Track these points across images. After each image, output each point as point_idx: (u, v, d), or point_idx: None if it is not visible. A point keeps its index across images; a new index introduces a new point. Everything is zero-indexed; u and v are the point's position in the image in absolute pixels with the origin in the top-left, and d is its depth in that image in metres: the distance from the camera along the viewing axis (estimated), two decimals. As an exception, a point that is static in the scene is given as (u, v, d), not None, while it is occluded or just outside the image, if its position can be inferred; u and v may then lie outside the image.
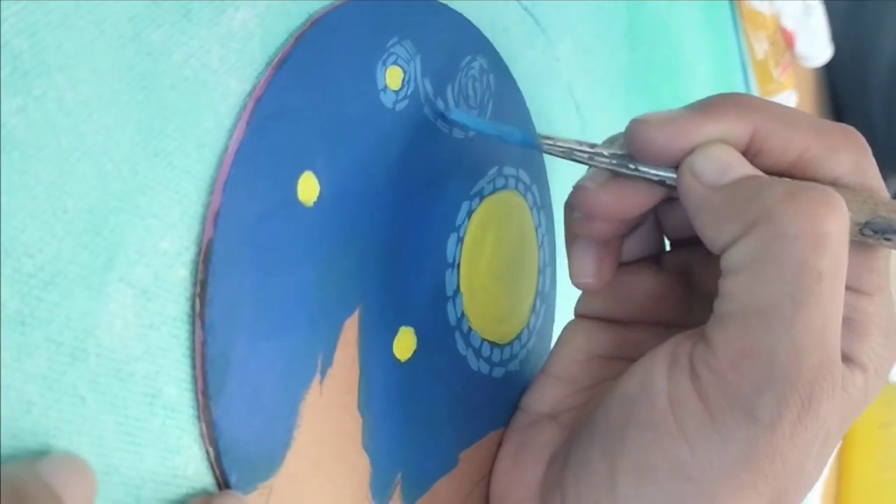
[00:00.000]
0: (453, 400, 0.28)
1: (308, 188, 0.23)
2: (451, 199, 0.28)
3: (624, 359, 0.28)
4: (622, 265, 0.28)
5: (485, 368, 0.30)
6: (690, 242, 0.27)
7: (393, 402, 0.26)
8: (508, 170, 0.31)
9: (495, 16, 0.32)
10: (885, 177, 0.25)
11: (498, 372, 0.30)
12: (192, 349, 0.20)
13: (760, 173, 0.23)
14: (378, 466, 0.25)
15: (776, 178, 0.23)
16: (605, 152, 0.25)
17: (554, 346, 0.30)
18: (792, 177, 0.24)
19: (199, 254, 0.21)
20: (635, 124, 0.24)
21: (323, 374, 0.23)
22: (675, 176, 0.24)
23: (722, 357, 0.22)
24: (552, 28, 0.36)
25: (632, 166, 0.24)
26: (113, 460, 0.19)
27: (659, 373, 0.23)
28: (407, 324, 0.26)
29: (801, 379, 0.21)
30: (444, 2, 0.29)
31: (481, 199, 0.30)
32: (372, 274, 0.25)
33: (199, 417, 0.21)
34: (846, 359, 0.24)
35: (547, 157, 0.34)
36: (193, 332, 0.20)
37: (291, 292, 0.23)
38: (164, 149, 0.20)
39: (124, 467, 0.19)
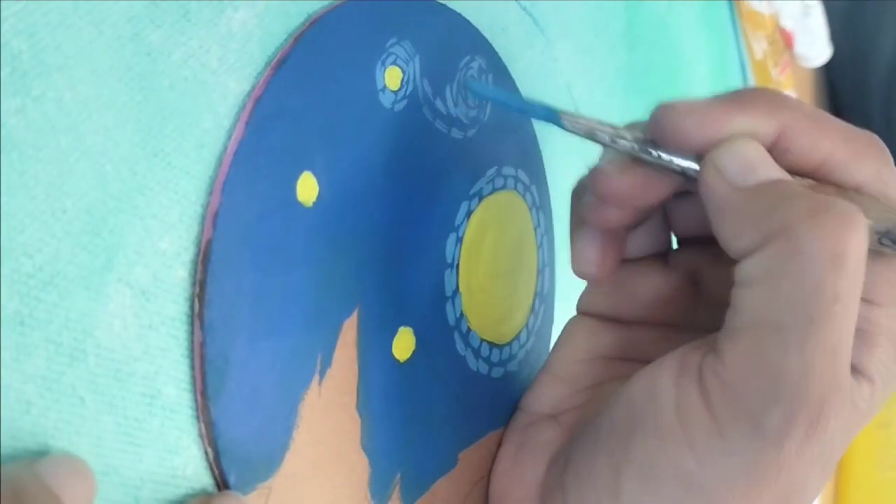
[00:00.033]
0: (452, 400, 0.28)
1: (307, 188, 0.23)
2: (450, 200, 0.28)
3: (626, 360, 0.28)
4: (627, 262, 0.28)
5: (484, 368, 0.30)
6: (699, 241, 0.27)
7: (392, 402, 0.26)
8: (507, 170, 0.31)
9: (494, 16, 0.32)
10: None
11: (497, 372, 0.30)
12: (191, 349, 0.20)
13: (786, 175, 0.23)
14: (377, 466, 0.25)
15: (801, 189, 0.23)
16: (628, 135, 0.24)
17: (555, 345, 0.30)
18: (815, 179, 0.24)
19: (198, 254, 0.21)
20: (663, 109, 0.24)
21: (322, 374, 0.23)
22: (697, 168, 0.24)
23: (732, 370, 0.22)
24: (551, 28, 0.36)
25: (654, 152, 0.24)
26: (112, 461, 0.19)
27: (667, 381, 0.23)
28: (406, 324, 0.26)
29: (811, 398, 0.21)
30: (443, 2, 0.29)
31: (480, 199, 0.30)
32: (371, 274, 0.25)
33: (198, 418, 0.21)
34: (854, 370, 0.24)
35: (546, 158, 0.34)
36: (192, 333, 0.20)
37: (290, 293, 0.23)
38: (163, 149, 0.20)
39: (123, 468, 0.19)
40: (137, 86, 0.19)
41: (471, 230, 0.29)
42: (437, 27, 0.28)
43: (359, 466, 0.25)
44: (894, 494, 0.81)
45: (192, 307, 0.21)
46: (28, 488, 0.16)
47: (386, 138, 0.26)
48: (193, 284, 0.21)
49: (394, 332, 0.26)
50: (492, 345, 0.30)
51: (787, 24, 0.70)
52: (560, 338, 0.30)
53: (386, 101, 0.26)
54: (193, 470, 0.21)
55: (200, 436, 0.21)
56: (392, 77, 0.26)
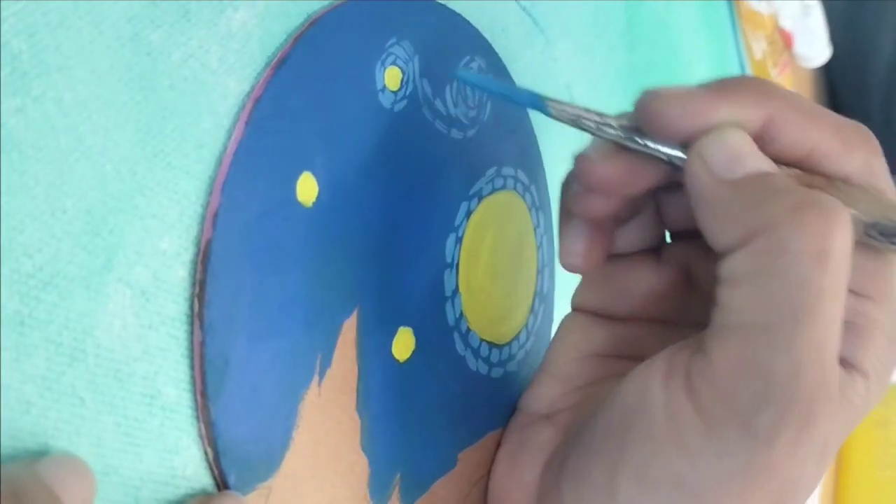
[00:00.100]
0: (452, 400, 0.28)
1: (307, 188, 0.23)
2: (450, 200, 0.28)
3: (620, 357, 0.28)
4: (620, 257, 0.28)
5: (483, 369, 0.30)
6: (692, 235, 0.27)
7: (391, 402, 0.26)
8: (507, 170, 0.31)
9: (494, 16, 0.32)
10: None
11: (497, 372, 0.30)
12: (191, 350, 0.21)
13: (772, 166, 0.23)
14: (376, 467, 0.25)
15: (786, 182, 0.22)
16: (614, 123, 0.24)
17: (550, 344, 0.29)
18: (803, 169, 0.24)
19: (197, 254, 0.21)
20: (648, 96, 0.23)
21: (321, 374, 0.23)
22: (683, 156, 0.23)
23: (720, 371, 0.22)
24: (551, 28, 0.36)
25: (640, 140, 0.23)
26: (112, 461, 0.19)
27: (655, 384, 0.23)
28: (405, 324, 0.26)
29: (800, 396, 0.21)
30: (443, 2, 0.29)
31: (480, 199, 0.30)
32: (370, 274, 0.25)
33: (197, 418, 0.21)
34: (848, 365, 0.24)
35: (546, 158, 0.34)
36: (192, 333, 0.20)
37: (290, 293, 0.23)
38: (163, 149, 0.20)
39: (123, 468, 0.19)
40: (137, 86, 0.19)
41: (470, 230, 0.29)
42: (436, 27, 0.28)
43: (358, 466, 0.25)
44: (893, 492, 0.81)
45: (191, 307, 0.21)
46: (28, 488, 0.16)
47: (385, 138, 0.26)
48: (193, 284, 0.21)
49: (393, 333, 0.26)
50: (491, 345, 0.30)
51: (787, 24, 0.70)
52: (555, 336, 0.29)
53: (386, 101, 0.26)
54: (193, 470, 0.21)
55: (200, 436, 0.21)
56: (392, 77, 0.26)
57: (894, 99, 0.83)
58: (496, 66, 0.31)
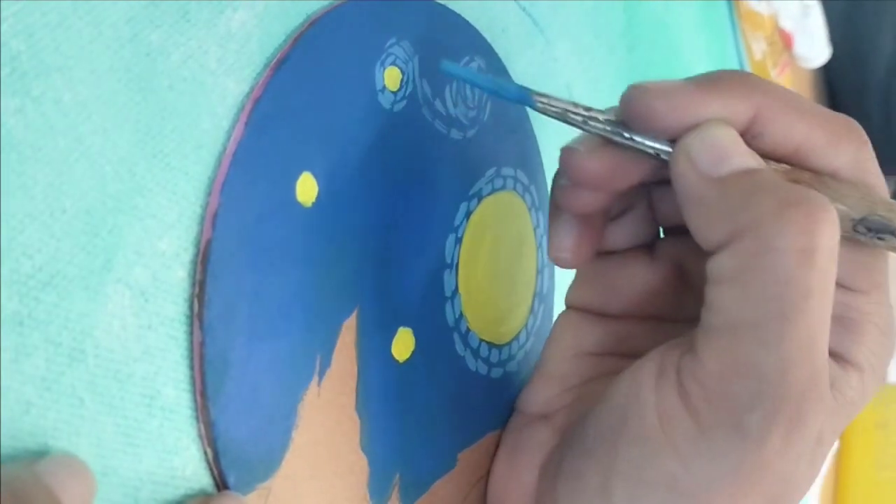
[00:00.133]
0: (451, 400, 0.28)
1: (306, 189, 0.23)
2: (450, 200, 0.28)
3: (615, 355, 0.28)
4: (613, 254, 0.27)
5: (483, 369, 0.30)
6: (685, 230, 0.26)
7: (391, 402, 0.26)
8: (506, 170, 0.31)
9: (493, 16, 0.32)
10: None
11: (496, 373, 0.30)
12: (191, 350, 0.20)
13: (759, 162, 0.23)
14: (376, 467, 0.25)
15: (773, 179, 0.22)
16: (601, 117, 0.24)
17: (545, 343, 0.29)
18: (791, 164, 0.23)
19: (197, 255, 0.21)
20: (633, 90, 0.23)
21: (321, 374, 0.23)
22: (670, 150, 0.23)
23: (709, 370, 0.22)
24: (550, 28, 0.36)
25: (626, 135, 0.23)
26: (111, 461, 0.19)
27: (646, 385, 0.23)
28: (405, 324, 0.26)
29: (790, 394, 0.21)
30: (443, 2, 0.29)
31: (479, 199, 0.30)
32: (370, 275, 0.25)
33: (197, 418, 0.21)
34: (841, 359, 0.24)
35: (546, 158, 0.34)
36: (192, 333, 0.20)
37: (290, 293, 0.23)
38: (162, 150, 0.20)
39: (123, 468, 0.19)
40: (136, 86, 0.19)
41: (470, 230, 0.29)
42: (436, 28, 0.28)
43: (357, 467, 0.25)
44: (893, 493, 0.81)
45: (191, 308, 0.21)
46: (27, 489, 0.16)
47: (385, 139, 0.26)
48: (193, 285, 0.21)
49: (393, 333, 0.26)
50: (491, 345, 0.30)
51: (787, 24, 0.70)
52: (549, 336, 0.29)
53: (385, 101, 0.26)
54: (193, 470, 0.21)
55: (200, 436, 0.21)
56: (391, 77, 0.26)
57: (893, 99, 0.83)
58: (496, 66, 0.31)
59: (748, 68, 0.63)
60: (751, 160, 0.22)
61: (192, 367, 0.21)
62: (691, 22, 0.54)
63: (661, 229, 0.28)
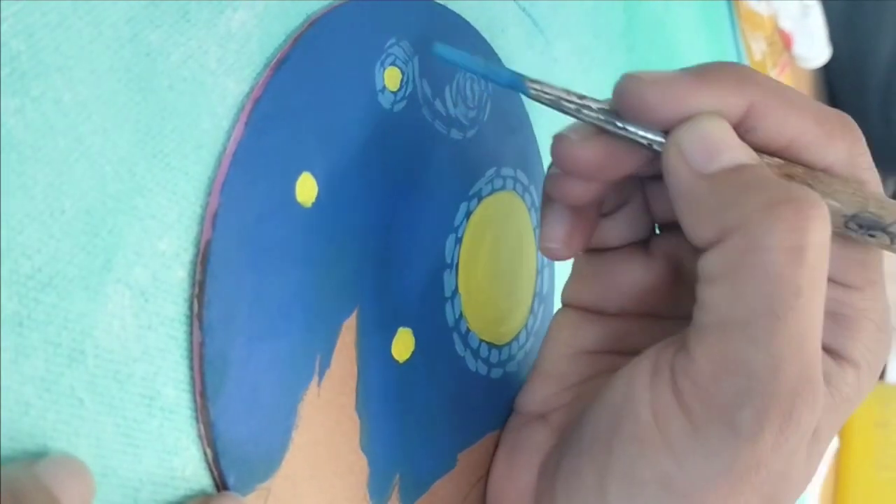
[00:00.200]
0: (451, 400, 0.28)
1: (306, 189, 0.23)
2: (450, 200, 0.28)
3: (612, 353, 0.28)
4: (608, 250, 0.27)
5: (483, 369, 0.30)
6: (679, 226, 0.27)
7: (391, 402, 0.26)
8: (506, 171, 0.31)
9: (493, 17, 0.32)
10: (881, 177, 0.24)
11: (496, 373, 0.30)
12: (191, 350, 0.20)
13: (752, 157, 0.22)
14: (376, 467, 0.25)
15: (763, 176, 0.22)
16: (594, 105, 0.23)
17: (543, 342, 0.29)
18: (784, 158, 0.23)
19: (197, 255, 0.21)
20: (626, 80, 0.23)
21: (321, 375, 0.23)
22: (663, 140, 0.23)
23: (702, 369, 0.22)
24: (550, 29, 0.36)
25: (619, 124, 0.23)
26: (111, 462, 0.19)
27: (641, 384, 0.23)
28: (405, 325, 0.26)
29: (781, 392, 0.21)
30: (443, 2, 0.29)
31: (479, 199, 0.30)
32: (370, 275, 0.25)
33: (197, 419, 0.21)
34: (837, 355, 0.24)
35: (546, 158, 0.34)
36: (191, 334, 0.20)
37: (289, 293, 0.23)
38: (162, 150, 0.20)
39: (122, 469, 0.19)
40: (136, 86, 0.19)
41: (470, 231, 0.29)
42: (436, 28, 0.28)
43: (357, 467, 0.25)
44: (893, 493, 0.81)
45: (191, 308, 0.20)
46: (27, 490, 0.16)
47: (385, 139, 0.26)
48: (192, 285, 0.21)
49: (393, 333, 0.26)
50: (491, 345, 0.30)
51: (786, 24, 0.70)
52: (547, 333, 0.29)
53: (385, 101, 0.26)
54: (192, 471, 0.21)
55: (199, 436, 0.21)
56: (391, 78, 0.26)
57: (893, 99, 0.83)
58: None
59: (748, 68, 0.63)
60: (742, 155, 0.22)
61: (191, 368, 0.20)
62: (691, 22, 0.54)
63: (656, 225, 0.28)
